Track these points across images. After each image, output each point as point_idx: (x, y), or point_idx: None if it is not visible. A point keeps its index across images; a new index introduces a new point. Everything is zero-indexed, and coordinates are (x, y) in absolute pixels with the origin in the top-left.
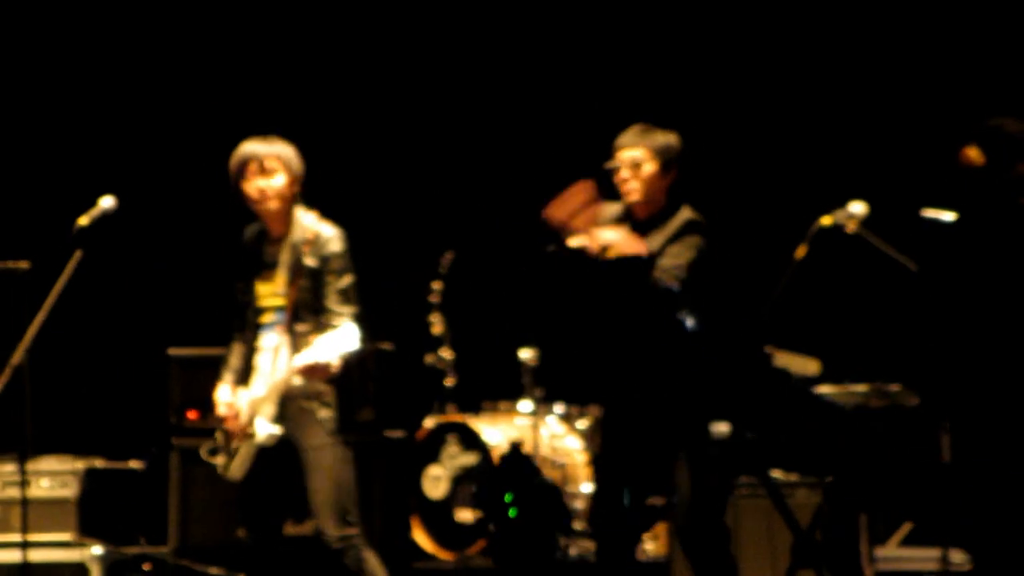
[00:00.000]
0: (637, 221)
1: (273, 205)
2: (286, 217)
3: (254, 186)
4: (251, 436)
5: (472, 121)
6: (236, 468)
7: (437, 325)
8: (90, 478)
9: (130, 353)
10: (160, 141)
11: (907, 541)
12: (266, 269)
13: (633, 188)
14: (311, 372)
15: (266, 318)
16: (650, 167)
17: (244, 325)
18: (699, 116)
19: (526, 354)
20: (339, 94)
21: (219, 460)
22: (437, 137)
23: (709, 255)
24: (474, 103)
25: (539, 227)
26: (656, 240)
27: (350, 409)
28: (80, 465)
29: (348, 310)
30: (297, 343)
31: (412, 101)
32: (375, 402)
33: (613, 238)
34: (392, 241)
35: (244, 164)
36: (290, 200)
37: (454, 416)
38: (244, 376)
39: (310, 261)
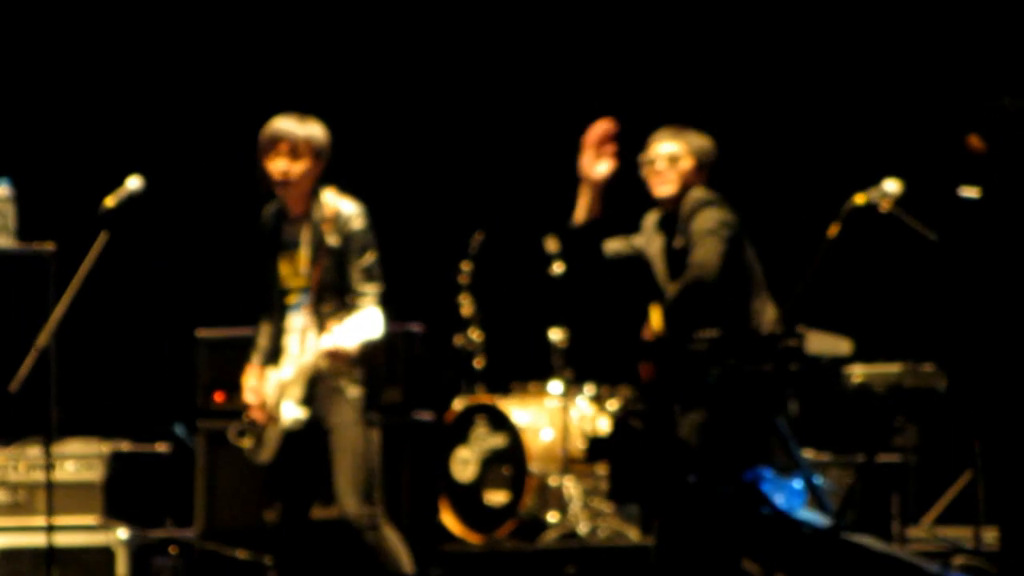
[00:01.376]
0: (666, 216)
1: (294, 187)
2: (307, 197)
3: (278, 166)
4: (277, 420)
5: (503, 101)
6: (264, 452)
7: (466, 306)
8: (116, 461)
9: (157, 335)
10: (186, 120)
11: (940, 520)
12: (287, 249)
13: (669, 180)
14: (333, 356)
15: (291, 299)
16: (687, 163)
17: (270, 306)
18: (731, 98)
19: (556, 335)
20: (370, 73)
21: (246, 443)
22: (468, 117)
23: (728, 221)
24: (507, 82)
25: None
26: (682, 238)
27: (377, 389)
28: (106, 448)
29: (372, 289)
30: (323, 324)
31: (445, 80)
32: (403, 383)
33: None
34: (422, 221)
35: (274, 142)
36: (312, 181)
37: (483, 397)
38: (273, 357)
39: (332, 240)
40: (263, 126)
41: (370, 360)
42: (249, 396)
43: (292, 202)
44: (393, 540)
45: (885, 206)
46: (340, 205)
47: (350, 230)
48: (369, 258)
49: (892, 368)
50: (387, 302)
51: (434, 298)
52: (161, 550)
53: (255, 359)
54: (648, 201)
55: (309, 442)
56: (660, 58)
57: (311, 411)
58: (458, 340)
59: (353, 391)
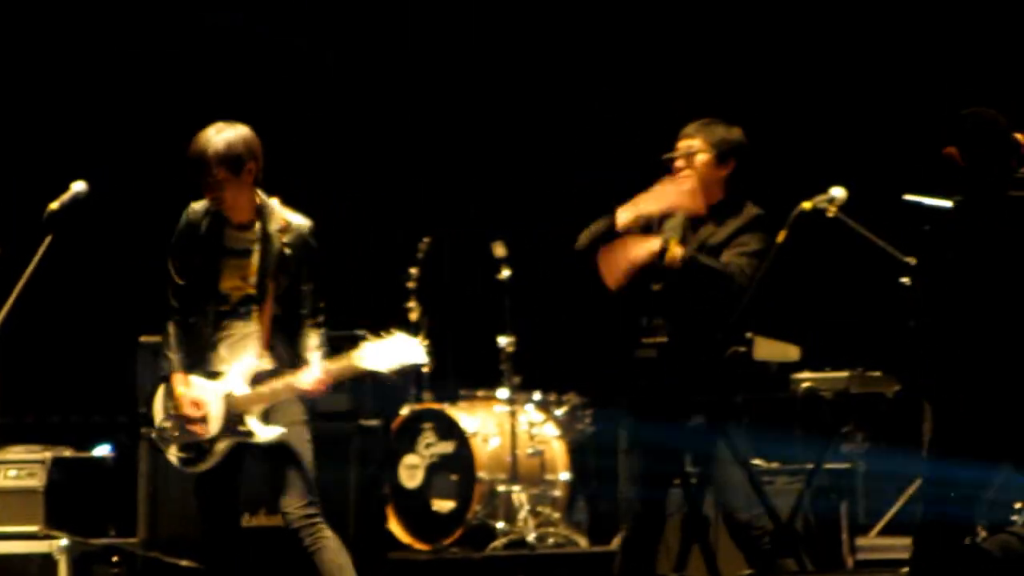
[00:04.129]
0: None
1: (229, 204)
2: (250, 204)
3: (206, 190)
4: (245, 435)
5: (448, 104)
6: (208, 465)
7: (414, 311)
8: (58, 468)
9: (100, 340)
10: (131, 125)
11: (888, 530)
12: (232, 256)
13: (687, 176)
14: (315, 391)
15: (227, 306)
16: (703, 157)
17: (193, 310)
18: (678, 103)
19: (504, 341)
20: (318, 76)
21: (172, 453)
22: (416, 120)
23: (767, 252)
24: (451, 86)
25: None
26: (719, 232)
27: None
28: (47, 455)
29: (323, 305)
30: (269, 333)
31: (393, 83)
32: (350, 390)
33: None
34: (369, 225)
35: (193, 168)
36: (246, 190)
37: (431, 404)
38: (192, 363)
39: (287, 250)
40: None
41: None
42: (189, 409)
43: (235, 212)
44: (333, 545)
45: (832, 212)
46: (291, 218)
47: (305, 245)
48: (320, 275)
49: (840, 375)
50: (332, 307)
51: (381, 303)
52: (103, 559)
53: (178, 367)
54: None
55: (247, 450)
56: (609, 68)
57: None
58: None
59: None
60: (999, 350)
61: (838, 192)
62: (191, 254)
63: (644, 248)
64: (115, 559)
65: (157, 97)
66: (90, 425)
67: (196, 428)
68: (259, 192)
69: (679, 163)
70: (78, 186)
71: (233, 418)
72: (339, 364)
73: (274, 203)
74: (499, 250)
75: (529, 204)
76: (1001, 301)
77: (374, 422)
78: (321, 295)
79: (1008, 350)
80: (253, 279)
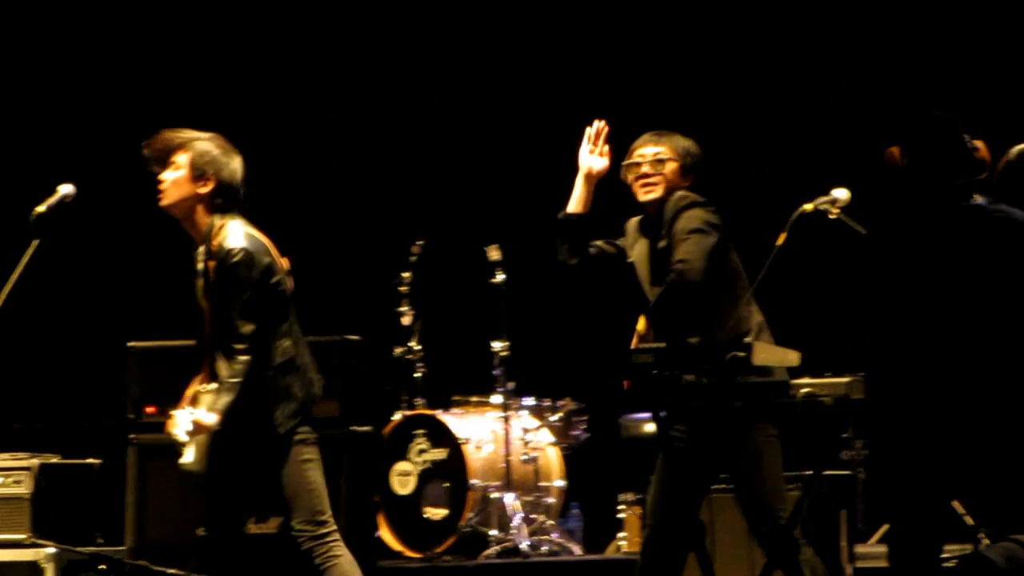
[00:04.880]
0: (649, 220)
1: (176, 210)
2: (194, 222)
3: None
4: (180, 454)
5: (442, 105)
6: (196, 462)
7: (406, 316)
8: (45, 475)
9: (88, 345)
10: (119, 129)
11: (887, 538)
12: (197, 276)
13: (655, 183)
14: (197, 434)
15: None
16: (672, 165)
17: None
18: (678, 107)
19: (498, 345)
20: (308, 80)
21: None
22: (408, 122)
23: (713, 222)
24: (445, 88)
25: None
26: (665, 239)
27: (284, 405)
28: (35, 461)
29: (246, 329)
30: (215, 357)
31: (383, 86)
32: (341, 395)
33: None
34: (361, 228)
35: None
36: (190, 204)
37: (423, 410)
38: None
39: (212, 275)
40: None
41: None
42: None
43: (185, 225)
44: (345, 564)
45: (834, 213)
46: (226, 239)
47: (227, 267)
48: (242, 298)
49: (840, 380)
50: (322, 312)
51: (373, 308)
52: (91, 567)
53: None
54: (629, 210)
55: (244, 453)
56: (599, 68)
57: (203, 466)
58: (398, 351)
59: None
60: (933, 354)
61: (841, 193)
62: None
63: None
64: (103, 567)
65: (145, 99)
66: (78, 432)
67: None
68: (218, 215)
69: (647, 169)
70: (65, 188)
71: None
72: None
73: (228, 225)
74: (493, 253)
75: (524, 207)
76: (936, 320)
77: (365, 428)
78: (244, 318)
79: (948, 368)
80: (201, 301)
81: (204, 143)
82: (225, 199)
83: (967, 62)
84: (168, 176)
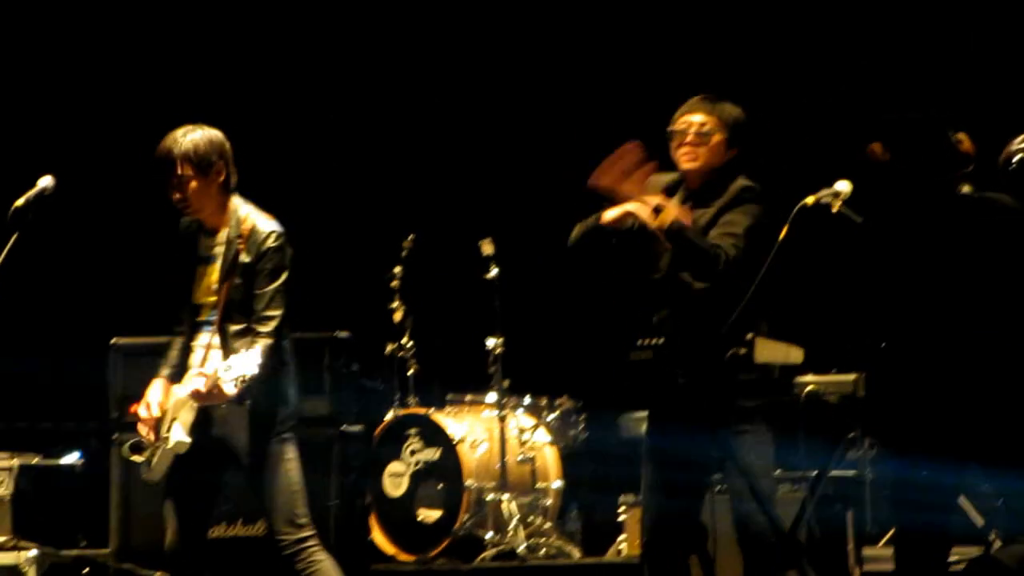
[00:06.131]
0: (691, 191)
1: (195, 207)
2: (219, 209)
3: (172, 193)
4: (164, 440)
5: (435, 97)
6: (153, 471)
7: (398, 312)
8: (25, 476)
9: (69, 343)
10: (103, 120)
11: (895, 541)
12: (202, 263)
13: (699, 154)
14: (205, 399)
15: (203, 315)
16: (718, 137)
17: (182, 320)
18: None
19: (493, 342)
20: (300, 73)
21: (139, 459)
22: (399, 114)
23: (765, 224)
24: (438, 81)
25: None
26: (706, 213)
27: (277, 406)
28: (15, 462)
29: (276, 312)
30: (228, 343)
31: (374, 78)
32: (331, 394)
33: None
34: (351, 222)
35: (161, 170)
36: (218, 192)
37: (416, 409)
38: (180, 373)
39: (245, 257)
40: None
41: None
42: (144, 410)
43: (204, 217)
44: (327, 567)
45: (837, 207)
46: (257, 222)
47: (264, 249)
48: (279, 281)
49: (846, 377)
50: (310, 308)
51: (363, 304)
52: (73, 570)
53: (162, 372)
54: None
55: (206, 462)
56: (594, 59)
57: (195, 439)
58: (389, 348)
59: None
60: (929, 348)
61: (843, 186)
62: (180, 267)
63: (642, 206)
64: (86, 571)
65: (132, 92)
66: (60, 431)
67: (143, 426)
68: (233, 197)
69: (691, 140)
70: (45, 181)
71: (169, 424)
72: (213, 374)
73: (247, 209)
74: (487, 247)
75: (518, 199)
76: (930, 315)
77: (356, 428)
78: (275, 302)
79: (938, 347)
80: (215, 287)
81: (196, 138)
82: (228, 176)
83: (965, 56)
84: (186, 186)
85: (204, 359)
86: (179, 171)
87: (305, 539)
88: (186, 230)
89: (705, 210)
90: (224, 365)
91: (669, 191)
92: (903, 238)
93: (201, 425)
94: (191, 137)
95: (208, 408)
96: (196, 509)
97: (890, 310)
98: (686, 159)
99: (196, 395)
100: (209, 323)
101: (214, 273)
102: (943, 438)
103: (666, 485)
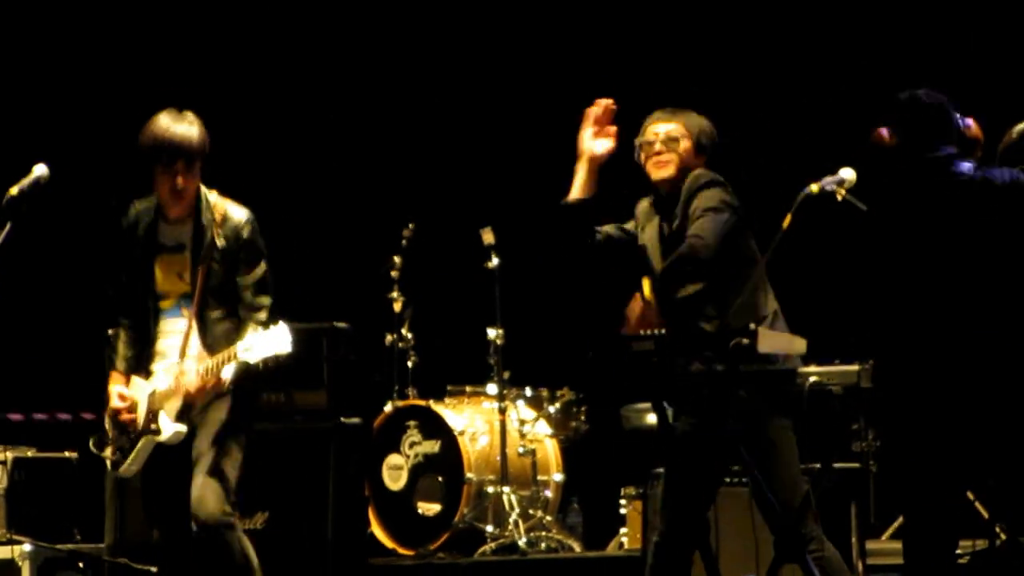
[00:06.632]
0: (661, 199)
1: (187, 200)
2: (193, 197)
3: (172, 183)
4: (154, 432)
5: (435, 85)
6: (130, 465)
7: (397, 303)
8: (20, 468)
9: (64, 334)
10: (96, 109)
11: (900, 534)
12: (166, 252)
13: (668, 161)
14: (201, 394)
15: (167, 303)
16: (686, 143)
17: (136, 310)
18: (678, 88)
19: (493, 333)
20: (296, 61)
21: (108, 454)
22: (398, 100)
23: (729, 201)
24: (437, 68)
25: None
26: (679, 213)
27: (250, 404)
28: (9, 455)
29: (266, 300)
30: (207, 330)
31: (372, 64)
32: (329, 386)
33: None
34: (349, 211)
35: (168, 158)
36: (198, 179)
37: (415, 401)
38: (138, 364)
39: (220, 242)
40: (149, 129)
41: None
42: (116, 401)
43: (181, 206)
44: (245, 544)
45: (842, 194)
46: (228, 208)
47: (240, 236)
48: (261, 268)
49: (850, 368)
50: (311, 298)
51: (362, 294)
52: (69, 565)
53: (119, 366)
54: (641, 189)
55: (183, 454)
56: (593, 48)
57: (188, 424)
58: (388, 339)
59: (225, 405)
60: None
61: (847, 173)
62: (130, 252)
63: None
64: (81, 565)
65: (121, 80)
66: (54, 424)
67: (124, 419)
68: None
69: (659, 147)
70: (39, 169)
71: (151, 415)
72: (217, 358)
73: (214, 195)
74: (487, 237)
75: (520, 187)
76: (937, 302)
77: (354, 420)
78: (263, 290)
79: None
80: (187, 275)
81: (198, 128)
82: None
83: (969, 42)
84: (189, 177)
85: (183, 347)
86: (189, 163)
87: (231, 525)
88: (135, 220)
89: (676, 217)
90: (243, 345)
91: (657, 209)
92: (911, 223)
93: (187, 413)
94: (195, 128)
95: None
96: (178, 501)
97: (898, 299)
98: (657, 168)
99: (193, 394)
100: (178, 311)
101: (182, 261)
102: (951, 431)
103: (688, 482)
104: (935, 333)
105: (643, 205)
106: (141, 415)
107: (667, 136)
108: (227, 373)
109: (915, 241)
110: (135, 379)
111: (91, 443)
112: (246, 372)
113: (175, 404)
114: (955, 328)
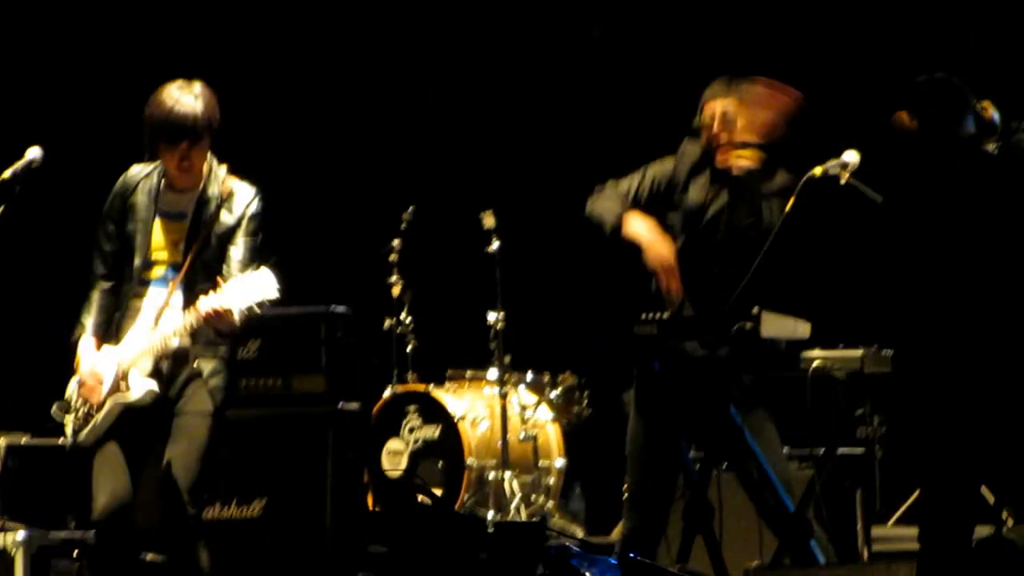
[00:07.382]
0: (731, 180)
1: (195, 175)
2: (203, 167)
3: (179, 159)
4: (123, 392)
5: (435, 67)
6: (91, 432)
7: (397, 286)
8: (13, 455)
9: (58, 318)
10: (92, 89)
11: (906, 519)
12: (165, 218)
13: (746, 157)
14: (214, 319)
15: (155, 272)
16: (743, 122)
17: (120, 275)
18: (679, 68)
19: (494, 317)
20: (297, 42)
21: (68, 420)
22: (399, 82)
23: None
24: (437, 52)
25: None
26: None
27: (236, 383)
28: (1, 441)
29: (259, 264)
30: (191, 303)
31: (373, 48)
32: (327, 370)
33: None
34: (348, 193)
35: (176, 134)
36: (208, 151)
37: (415, 385)
38: (109, 328)
39: (225, 218)
40: (154, 103)
41: (234, 351)
42: (85, 368)
43: (191, 177)
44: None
45: (845, 178)
46: (234, 183)
47: (246, 211)
48: (257, 242)
49: (854, 353)
50: (308, 281)
51: (361, 278)
52: (63, 552)
53: (90, 328)
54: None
55: (146, 424)
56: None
57: (160, 387)
58: (387, 323)
59: (214, 381)
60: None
61: (851, 156)
62: (124, 219)
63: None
64: (76, 553)
65: (121, 63)
66: (48, 410)
67: (90, 393)
68: (209, 156)
69: (716, 129)
70: (33, 152)
71: (118, 380)
72: (196, 309)
73: (223, 170)
74: (488, 220)
75: (519, 171)
76: (964, 290)
77: (353, 405)
78: (254, 262)
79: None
80: (183, 245)
81: (207, 101)
82: None
83: (978, 27)
84: (198, 152)
85: (157, 319)
86: (199, 139)
87: (196, 513)
88: (134, 181)
89: (750, 216)
90: (228, 288)
91: (718, 182)
92: (943, 204)
93: (160, 374)
94: (201, 103)
95: (156, 362)
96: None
97: (929, 283)
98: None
99: (209, 316)
100: (165, 281)
101: (180, 230)
102: (980, 419)
103: (659, 455)
104: (971, 315)
105: (693, 153)
106: (105, 382)
107: (724, 118)
108: (234, 305)
109: (948, 222)
110: (106, 347)
111: (53, 409)
112: (247, 317)
113: (146, 364)
114: (992, 310)
